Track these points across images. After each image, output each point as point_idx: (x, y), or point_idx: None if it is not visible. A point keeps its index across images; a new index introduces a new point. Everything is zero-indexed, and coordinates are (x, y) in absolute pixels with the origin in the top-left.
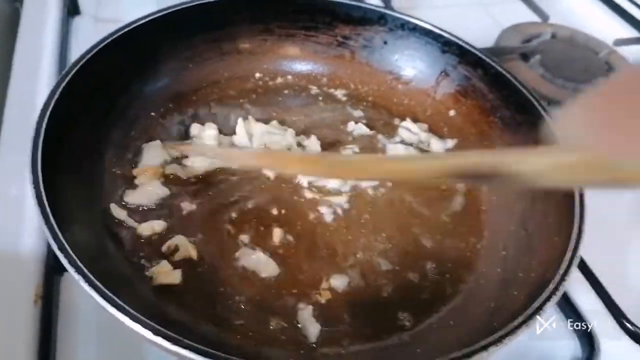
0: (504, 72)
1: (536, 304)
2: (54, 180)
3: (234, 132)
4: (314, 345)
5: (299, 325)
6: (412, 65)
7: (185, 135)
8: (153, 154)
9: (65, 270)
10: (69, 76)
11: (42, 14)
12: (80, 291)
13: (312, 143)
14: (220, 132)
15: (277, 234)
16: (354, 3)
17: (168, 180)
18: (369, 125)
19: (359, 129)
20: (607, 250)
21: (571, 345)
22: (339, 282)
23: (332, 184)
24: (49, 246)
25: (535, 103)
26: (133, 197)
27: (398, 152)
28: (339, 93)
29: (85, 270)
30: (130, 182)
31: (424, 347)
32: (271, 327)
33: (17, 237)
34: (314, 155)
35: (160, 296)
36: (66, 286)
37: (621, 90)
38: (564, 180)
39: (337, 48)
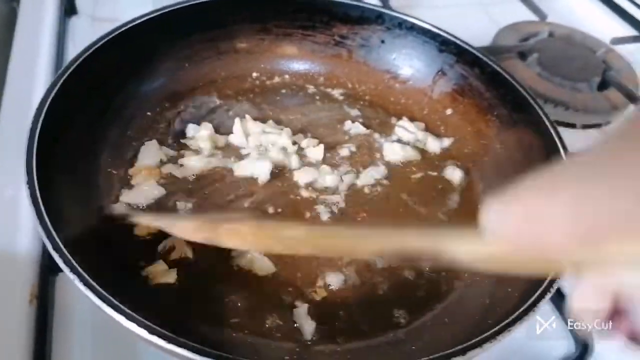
0: (500, 70)
1: (530, 301)
2: (49, 180)
3: (230, 132)
4: (310, 343)
5: (295, 323)
6: (409, 64)
7: (182, 135)
8: (149, 154)
9: (60, 270)
10: (65, 75)
11: (39, 13)
12: (75, 291)
13: (309, 143)
14: (217, 131)
15: None
16: (352, 2)
17: (164, 179)
18: (366, 124)
19: (355, 128)
20: None
21: (565, 344)
22: (334, 280)
23: (328, 182)
24: (44, 246)
25: (532, 102)
26: (129, 197)
27: (395, 150)
28: (336, 92)
29: (81, 270)
30: (126, 182)
31: (419, 344)
32: (267, 325)
33: (13, 237)
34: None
35: (156, 295)
36: (61, 286)
37: (547, 181)
38: (490, 269)
39: (334, 47)
